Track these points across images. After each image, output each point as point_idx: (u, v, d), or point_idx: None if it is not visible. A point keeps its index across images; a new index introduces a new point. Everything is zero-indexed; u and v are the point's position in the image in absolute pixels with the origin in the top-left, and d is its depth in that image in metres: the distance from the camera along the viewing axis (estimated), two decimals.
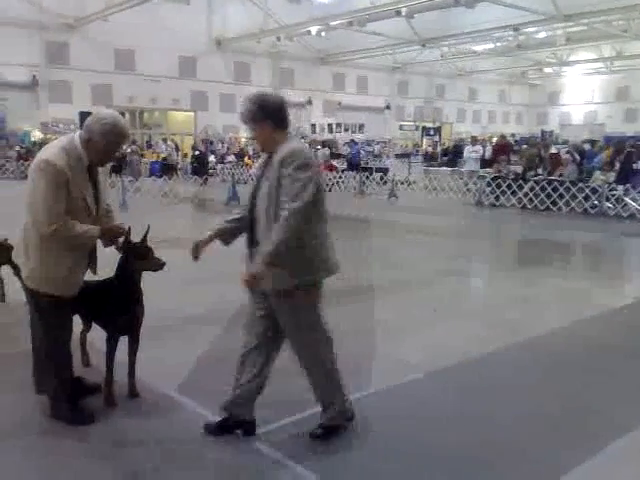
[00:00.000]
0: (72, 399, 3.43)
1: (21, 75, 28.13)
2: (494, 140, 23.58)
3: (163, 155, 26.00)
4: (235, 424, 3.21)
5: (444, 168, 21.41)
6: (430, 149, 32.79)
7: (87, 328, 4.09)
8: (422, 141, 36.14)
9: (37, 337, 3.43)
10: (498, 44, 33.86)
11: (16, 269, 5.24)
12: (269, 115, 2.93)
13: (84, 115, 26.20)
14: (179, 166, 24.22)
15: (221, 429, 3.21)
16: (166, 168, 22.72)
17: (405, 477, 2.94)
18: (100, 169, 3.38)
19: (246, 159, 24.67)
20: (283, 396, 3.67)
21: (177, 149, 28.43)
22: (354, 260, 8.21)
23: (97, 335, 3.88)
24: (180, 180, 19.66)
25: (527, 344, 4.89)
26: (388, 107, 40.81)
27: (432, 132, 35.13)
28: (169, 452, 3.06)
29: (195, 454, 3.05)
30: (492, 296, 6.65)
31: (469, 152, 18.75)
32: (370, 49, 33.53)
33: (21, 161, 23.26)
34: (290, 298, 2.98)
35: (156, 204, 14.62)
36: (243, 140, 30.67)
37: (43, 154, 3.16)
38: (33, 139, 27.41)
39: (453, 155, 24.87)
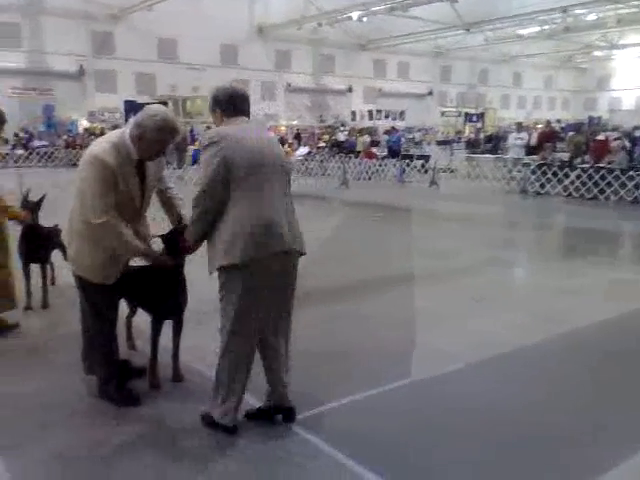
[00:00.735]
0: (119, 381, 3.53)
1: (69, 65, 28.84)
2: (539, 126, 23.00)
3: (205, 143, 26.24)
4: (275, 410, 3.24)
5: (487, 155, 20.97)
6: (473, 136, 32.17)
7: (132, 312, 4.19)
8: (464, 128, 35.49)
9: (85, 319, 3.54)
10: (545, 27, 32.84)
11: (66, 253, 5.45)
12: (218, 104, 3.11)
13: (128, 104, 26.80)
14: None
15: (262, 415, 3.25)
16: None
17: (440, 465, 2.92)
18: (150, 163, 3.43)
19: (286, 147, 24.73)
20: (321, 382, 3.70)
21: None
22: (395, 248, 8.18)
23: (142, 319, 3.99)
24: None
25: (572, 336, 4.77)
26: (430, 93, 40.23)
27: (475, 118, 34.47)
28: (210, 435, 3.12)
29: (235, 438, 3.10)
30: (536, 286, 6.52)
31: (514, 139, 18.32)
32: (412, 34, 33.05)
33: (69, 149, 23.90)
34: (219, 281, 2.99)
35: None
36: (283, 128, 30.73)
37: (94, 149, 3.21)
38: (80, 128, 28.07)
39: (496, 142, 24.36)
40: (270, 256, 2.89)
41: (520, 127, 19.75)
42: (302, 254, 3.11)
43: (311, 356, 4.06)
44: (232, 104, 3.10)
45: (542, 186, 14.86)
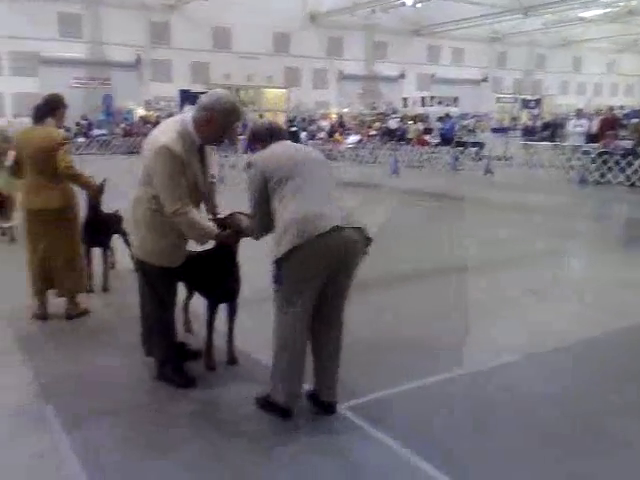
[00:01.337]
0: (177, 363, 3.63)
1: (126, 55, 29.61)
2: (601, 112, 22.11)
3: None
4: (316, 401, 3.26)
5: (544, 143, 20.33)
6: (529, 123, 31.25)
7: (189, 296, 4.30)
8: (520, 115, 34.51)
9: (145, 303, 3.65)
10: (608, 10, 31.47)
11: (126, 238, 5.62)
12: (259, 139, 3.40)
13: (183, 93, 27.33)
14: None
15: (310, 400, 3.28)
16: None
17: (490, 456, 2.89)
18: (208, 148, 3.49)
19: (337, 135, 24.67)
20: (373, 370, 3.71)
21: None
22: (448, 238, 8.06)
23: (199, 303, 4.09)
24: None
25: (632, 330, 4.60)
26: (485, 79, 39.27)
27: (532, 105, 33.45)
28: (264, 418, 3.18)
29: (288, 422, 3.14)
30: (595, 278, 6.30)
31: (573, 126, 17.70)
32: (467, 19, 32.31)
33: (126, 137, 24.56)
34: (274, 271, 3.09)
35: None
36: (334, 116, 30.65)
37: (162, 138, 3.25)
38: (137, 116, 28.80)
39: (554, 129, 23.58)
40: (319, 237, 2.88)
41: (580, 114, 19.04)
42: (361, 232, 3.05)
43: (362, 344, 4.07)
44: (270, 136, 3.34)
45: (602, 175, 14.31)
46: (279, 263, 2.97)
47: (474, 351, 4.11)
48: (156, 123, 22.37)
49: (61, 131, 4.77)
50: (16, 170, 4.65)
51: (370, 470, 2.75)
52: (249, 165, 3.19)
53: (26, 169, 4.53)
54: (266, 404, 3.21)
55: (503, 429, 3.13)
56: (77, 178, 4.61)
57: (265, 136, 3.34)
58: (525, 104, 34.31)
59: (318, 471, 2.74)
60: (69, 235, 4.62)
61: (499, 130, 28.97)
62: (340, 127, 27.08)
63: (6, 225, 7.66)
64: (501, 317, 4.89)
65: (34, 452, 2.85)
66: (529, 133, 27.06)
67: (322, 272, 2.99)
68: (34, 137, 4.48)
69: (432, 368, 3.80)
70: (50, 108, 4.55)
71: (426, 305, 5.16)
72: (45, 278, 4.61)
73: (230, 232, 3.49)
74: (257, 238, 3.33)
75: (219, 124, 3.28)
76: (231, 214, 3.56)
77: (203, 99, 3.33)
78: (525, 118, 33.82)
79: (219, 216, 3.60)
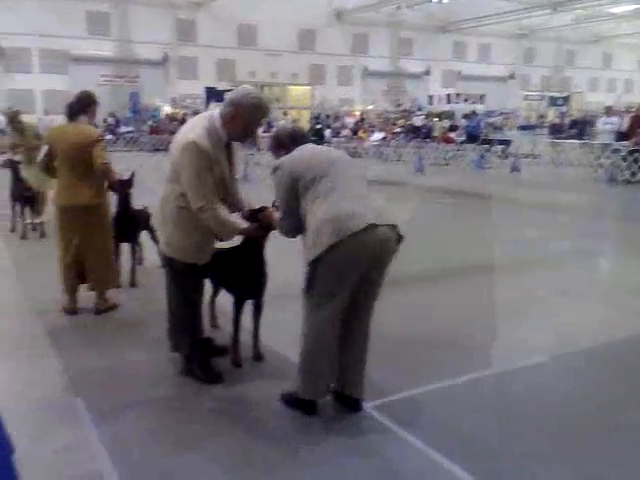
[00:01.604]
0: (203, 358, 3.66)
1: (153, 53, 29.92)
2: (631, 111, 21.64)
3: None
4: (342, 397, 3.25)
5: (572, 141, 19.99)
6: (557, 120, 30.75)
7: (215, 292, 4.32)
8: (548, 112, 33.99)
9: (172, 299, 3.67)
10: (639, 6, 30.77)
11: (154, 234, 5.67)
12: (282, 145, 3.37)
13: (209, 90, 27.51)
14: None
15: (335, 397, 3.28)
16: None
17: (517, 457, 2.84)
18: (234, 145, 3.50)
19: (360, 132, 24.58)
20: (400, 369, 3.69)
21: (295, 121, 28.95)
22: (474, 237, 7.98)
23: (224, 299, 4.11)
24: None
25: None
26: (512, 76, 38.76)
27: (560, 102, 32.91)
28: (290, 415, 3.18)
29: (313, 419, 3.14)
30: (624, 280, 6.17)
31: (603, 124, 17.34)
32: (494, 15, 31.90)
33: (153, 134, 24.80)
34: (308, 271, 3.06)
35: None
36: (357, 113, 30.56)
37: (189, 135, 3.26)
38: (164, 114, 29.04)
39: (582, 127, 23.17)
40: (354, 235, 2.86)
41: (610, 111, 18.66)
42: (394, 229, 3.04)
43: (389, 342, 4.04)
44: (293, 142, 3.31)
45: (633, 174, 14.01)
46: (313, 265, 2.96)
47: (502, 351, 4.06)
48: (182, 121, 22.57)
49: (96, 128, 4.84)
50: (48, 166, 4.71)
51: (397, 470, 2.73)
52: (276, 168, 3.15)
53: (59, 166, 4.59)
54: (292, 401, 3.21)
55: (531, 430, 3.08)
56: (111, 175, 4.68)
57: (288, 142, 3.32)
58: (553, 101, 33.76)
59: (345, 471, 2.72)
60: (100, 231, 4.69)
61: (526, 128, 28.56)
62: (361, 122, 26.95)
63: (37, 220, 7.79)
64: (529, 317, 4.83)
65: (65, 444, 2.89)
66: (556, 131, 26.66)
67: (356, 270, 2.97)
68: (68, 134, 4.54)
69: (460, 368, 3.77)
70: (83, 105, 4.62)
71: (454, 304, 5.11)
72: (76, 273, 4.67)
73: (257, 226, 3.49)
74: (288, 236, 3.29)
75: (245, 120, 3.29)
76: (262, 208, 3.56)
77: (231, 95, 3.35)
78: (552, 116, 33.31)
79: (252, 208, 3.60)
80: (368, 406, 3.24)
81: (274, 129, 26.94)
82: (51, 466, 2.71)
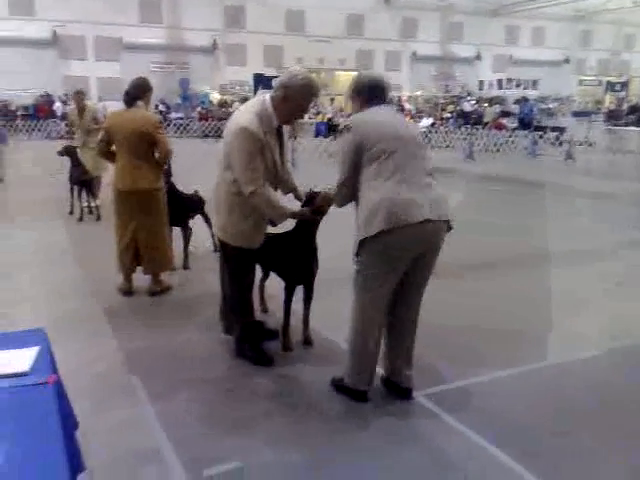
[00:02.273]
0: (254, 341, 3.71)
1: (203, 40, 30.24)
2: None
3: (328, 116, 26.51)
4: (392, 385, 3.26)
5: (631, 128, 19.21)
6: (614, 106, 29.59)
7: (265, 277, 4.37)
8: (605, 98, 32.73)
9: (225, 283, 3.74)
10: None
11: (207, 219, 5.80)
12: (361, 91, 3.17)
13: (257, 77, 27.65)
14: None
15: (386, 385, 3.28)
16: (331, 128, 23.16)
17: (571, 451, 2.78)
18: (285, 128, 3.52)
19: (407, 119, 24.22)
20: (453, 358, 3.66)
21: (341, 109, 28.80)
22: (527, 226, 7.80)
23: (273, 284, 4.15)
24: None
25: None
26: (567, 60, 37.47)
27: (618, 87, 31.62)
28: (341, 401, 3.20)
29: (364, 406, 3.15)
30: None
31: None
32: None
33: (202, 121, 25.11)
34: (358, 252, 3.04)
35: (323, 163, 15.00)
36: (404, 99, 30.16)
37: (240, 120, 3.29)
38: (212, 100, 29.35)
39: None
40: (406, 227, 2.85)
41: None
42: (447, 222, 3.01)
43: (441, 332, 4.02)
44: (374, 92, 3.14)
45: None
46: (362, 245, 2.96)
47: (556, 343, 3.97)
48: (230, 107, 22.80)
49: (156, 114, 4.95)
50: (106, 151, 4.84)
51: (447, 458, 2.72)
52: (347, 128, 3.01)
53: (118, 151, 4.71)
54: (341, 387, 3.23)
55: (584, 425, 3.02)
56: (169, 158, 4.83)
57: (367, 93, 3.14)
58: (610, 86, 32.44)
59: (394, 456, 2.73)
60: (156, 215, 4.80)
61: (581, 114, 27.60)
62: (399, 107, 26.56)
63: (93, 204, 8.05)
64: (584, 309, 4.70)
65: (122, 421, 3.00)
66: (614, 117, 25.66)
67: (404, 258, 2.96)
68: (127, 120, 4.65)
69: (513, 359, 3.71)
70: (140, 92, 4.72)
71: (507, 294, 5.02)
72: (132, 256, 4.81)
73: (308, 209, 3.50)
74: (339, 205, 3.22)
75: (295, 101, 3.29)
76: (316, 193, 3.57)
77: (280, 78, 3.36)
78: (608, 101, 32.07)
79: (310, 191, 3.60)
80: (419, 394, 3.23)
81: (324, 112, 26.87)
82: (109, 441, 2.81)
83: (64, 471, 1.42)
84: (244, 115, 3.32)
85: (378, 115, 3.06)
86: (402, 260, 2.96)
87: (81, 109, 8.45)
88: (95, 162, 8.03)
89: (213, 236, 5.91)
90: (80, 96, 8.52)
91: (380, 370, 3.28)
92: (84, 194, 8.00)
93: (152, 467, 2.63)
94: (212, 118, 24.57)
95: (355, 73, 3.23)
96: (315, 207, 3.47)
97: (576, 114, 28.12)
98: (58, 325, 4.04)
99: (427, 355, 3.49)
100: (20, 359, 1.91)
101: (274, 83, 3.41)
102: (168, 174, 5.40)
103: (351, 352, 3.16)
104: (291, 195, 3.75)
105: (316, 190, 3.59)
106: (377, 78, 3.21)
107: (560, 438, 2.89)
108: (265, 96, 3.40)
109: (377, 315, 3.07)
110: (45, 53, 28.53)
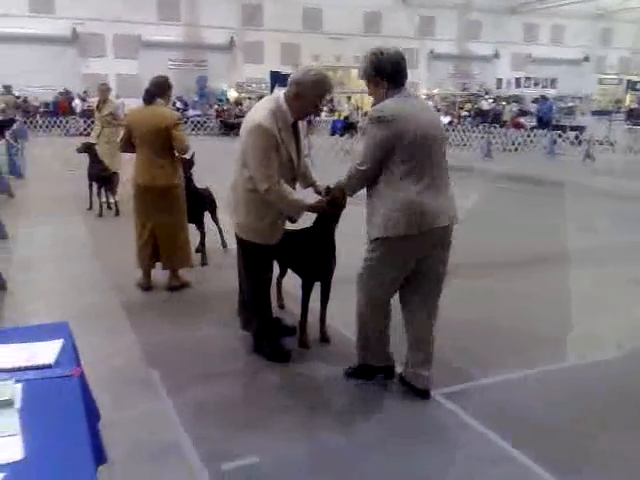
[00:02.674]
0: (272, 337, 3.73)
1: (220, 37, 30.32)
2: None
3: (345, 114, 26.48)
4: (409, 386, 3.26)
5: None
6: (635, 105, 29.18)
7: (283, 273, 4.38)
8: (625, 97, 32.29)
9: (243, 279, 3.75)
10: None
11: (214, 215, 5.90)
12: (383, 71, 2.96)
13: (274, 75, 27.64)
14: (359, 125, 24.51)
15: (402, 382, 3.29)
16: (348, 126, 23.14)
17: (591, 453, 2.76)
18: (300, 123, 3.52)
19: None
20: (471, 357, 3.65)
21: (358, 108, 28.77)
22: (545, 225, 7.73)
23: (289, 280, 4.15)
24: (359, 138, 19.89)
25: None
26: (586, 59, 37.01)
27: (639, 86, 31.18)
28: (356, 397, 3.21)
29: (382, 402, 3.15)
30: None
31: None
32: None
33: (219, 119, 25.20)
34: (371, 249, 3.10)
35: (339, 161, 14.96)
36: (423, 97, 29.97)
37: (255, 117, 3.30)
38: (229, 98, 29.40)
39: None
40: (424, 233, 2.91)
41: None
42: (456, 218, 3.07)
43: (460, 330, 4.00)
44: (399, 72, 2.98)
45: None
46: (376, 243, 2.99)
47: (575, 344, 3.94)
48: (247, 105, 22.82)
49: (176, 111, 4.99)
50: (126, 147, 4.87)
51: (466, 458, 2.71)
52: (380, 120, 2.86)
53: (138, 147, 4.74)
54: (352, 372, 3.35)
55: (604, 426, 2.99)
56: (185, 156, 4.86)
57: (394, 72, 2.95)
58: (631, 85, 31.99)
59: (411, 455, 2.72)
60: (176, 212, 4.83)
61: (601, 113, 27.24)
62: None
63: (112, 200, 8.12)
64: (603, 309, 4.65)
65: (142, 413, 3.03)
66: (635, 117, 25.32)
67: (415, 258, 3.01)
68: (147, 117, 4.68)
69: (532, 359, 3.69)
70: (160, 89, 4.76)
71: (524, 294, 4.98)
72: (151, 252, 4.85)
73: (325, 201, 3.46)
74: (352, 193, 3.21)
75: (307, 97, 3.28)
76: (328, 187, 3.55)
77: (293, 74, 3.36)
78: (629, 100, 31.63)
79: (329, 186, 3.57)
80: (436, 393, 3.22)
81: (340, 110, 26.77)
82: (129, 434, 2.83)
83: (89, 462, 1.43)
84: (259, 112, 3.33)
85: (413, 108, 2.93)
86: (411, 261, 3.02)
87: (102, 101, 8.74)
88: (111, 156, 8.15)
89: (221, 233, 5.94)
90: (103, 88, 8.80)
91: (399, 369, 3.28)
92: (103, 190, 8.08)
93: (171, 460, 2.65)
94: (228, 116, 24.65)
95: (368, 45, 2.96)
96: (330, 198, 3.44)
97: (595, 113, 27.77)
98: (78, 319, 4.00)
99: (445, 354, 3.47)
100: (45, 352, 1.93)
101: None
102: (189, 166, 5.40)
103: (358, 340, 3.28)
104: (311, 190, 3.74)
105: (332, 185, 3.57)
106: (398, 56, 2.99)
107: (581, 440, 2.87)
108: (279, 93, 3.40)
109: (383, 296, 3.14)
110: (65, 51, 28.81)
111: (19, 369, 1.81)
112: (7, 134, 12.30)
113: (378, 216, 2.96)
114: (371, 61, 2.97)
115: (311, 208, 3.49)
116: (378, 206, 2.97)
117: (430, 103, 27.40)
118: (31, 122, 22.55)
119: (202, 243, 5.69)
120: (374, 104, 3.03)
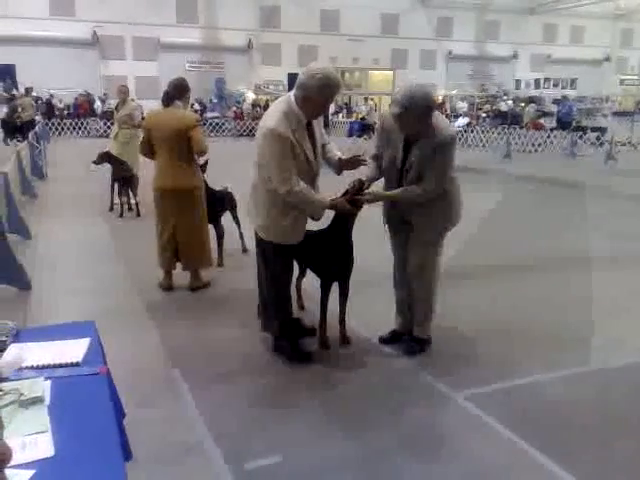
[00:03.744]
0: (292, 338, 3.73)
1: (238, 39, 30.45)
2: None
3: (362, 115, 26.47)
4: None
5: None
6: None
7: (302, 274, 4.39)
8: None
9: (263, 280, 3.76)
10: None
11: (236, 217, 5.92)
12: (431, 109, 3.39)
13: (292, 77, 27.74)
14: (376, 126, 24.48)
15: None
16: (365, 128, 23.12)
17: (614, 458, 2.72)
18: (315, 121, 3.52)
19: None
20: (491, 361, 3.62)
21: (375, 109, 28.71)
22: (565, 228, 7.66)
23: (309, 281, 4.17)
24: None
25: None
26: (607, 59, 36.58)
27: None
28: (375, 398, 3.20)
29: (403, 402, 3.15)
30: None
31: None
32: None
33: (237, 120, 25.31)
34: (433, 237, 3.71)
35: None
36: (440, 98, 29.85)
37: (269, 121, 3.31)
38: (248, 100, 29.48)
39: None
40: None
41: None
42: None
43: (481, 333, 3.98)
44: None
45: None
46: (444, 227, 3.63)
47: (598, 348, 3.88)
48: (266, 106, 22.90)
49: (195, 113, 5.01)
50: (147, 150, 4.90)
51: (488, 460, 2.69)
52: (453, 141, 3.46)
53: (157, 150, 4.77)
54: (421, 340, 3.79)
55: (627, 432, 2.94)
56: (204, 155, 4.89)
57: (433, 108, 3.40)
58: None
59: (432, 457, 2.71)
60: (196, 213, 4.86)
61: (623, 114, 26.89)
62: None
63: (133, 201, 8.20)
64: (625, 314, 4.57)
65: (165, 412, 3.06)
66: None
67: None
68: (165, 119, 4.72)
69: (554, 363, 3.65)
70: (179, 92, 4.79)
71: (548, 297, 4.93)
72: (172, 253, 4.88)
73: (344, 198, 3.46)
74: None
75: (316, 100, 3.29)
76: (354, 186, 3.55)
77: (299, 77, 3.33)
78: None
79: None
80: (459, 395, 3.21)
81: (357, 111, 26.70)
82: (153, 433, 2.85)
83: (119, 459, 1.45)
84: (272, 116, 3.33)
85: None
86: None
87: (121, 102, 8.94)
88: (128, 157, 8.25)
89: (241, 236, 5.96)
90: (122, 89, 8.92)
91: (417, 369, 3.27)
92: (124, 191, 8.16)
93: (195, 459, 2.67)
94: (247, 118, 24.74)
95: (407, 89, 3.31)
96: (351, 194, 3.44)
97: (616, 114, 27.43)
98: (100, 319, 4.06)
99: (466, 356, 3.45)
100: (73, 350, 1.96)
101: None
102: (203, 170, 5.44)
103: (429, 304, 3.71)
104: (330, 187, 3.73)
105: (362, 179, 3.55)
106: (428, 89, 3.43)
107: (605, 444, 2.83)
108: (291, 94, 3.40)
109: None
110: (85, 53, 29.15)
111: (48, 366, 1.84)
112: (30, 135, 12.48)
113: (446, 208, 3.58)
114: (425, 100, 3.30)
115: (333, 206, 3.50)
116: (443, 201, 3.54)
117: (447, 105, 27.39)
118: (53, 124, 22.85)
119: (219, 244, 5.71)
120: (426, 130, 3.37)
